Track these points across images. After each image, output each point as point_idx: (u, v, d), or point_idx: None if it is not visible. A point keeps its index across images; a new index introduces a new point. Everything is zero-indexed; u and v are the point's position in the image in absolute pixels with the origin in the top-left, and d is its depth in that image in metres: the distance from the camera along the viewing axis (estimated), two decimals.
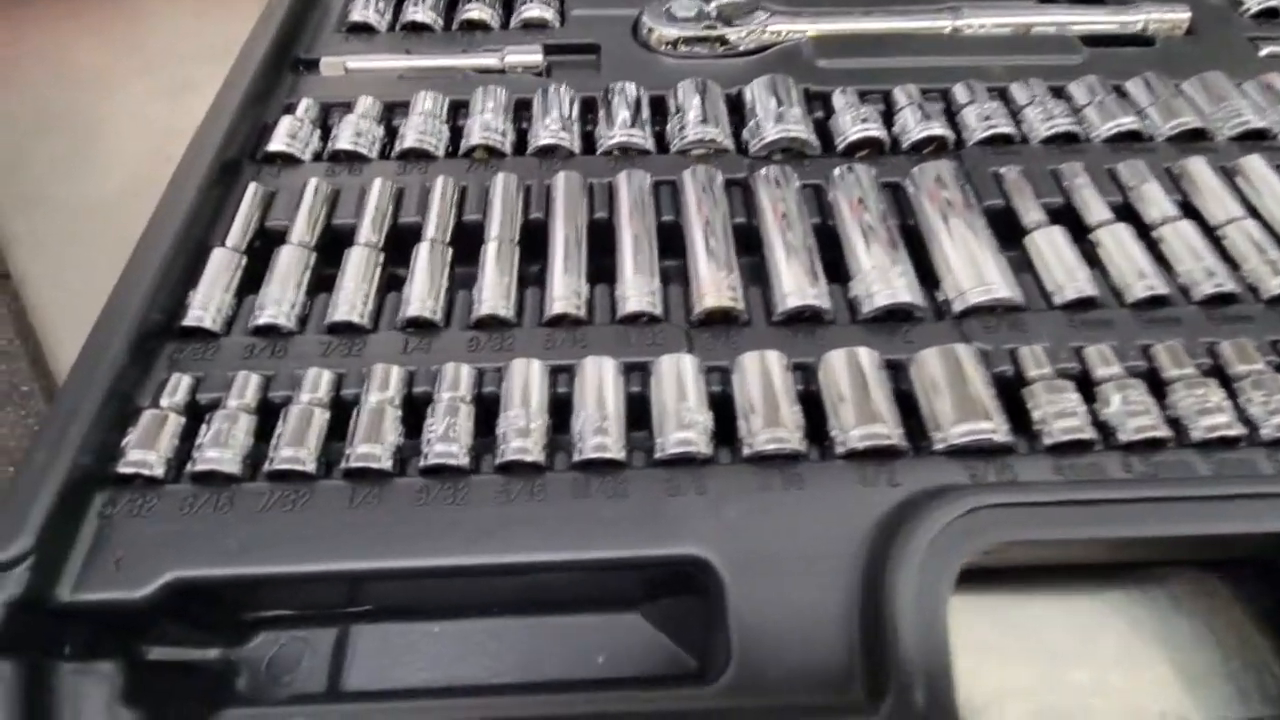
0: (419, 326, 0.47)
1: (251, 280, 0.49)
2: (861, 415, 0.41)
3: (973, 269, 0.47)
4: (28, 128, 0.81)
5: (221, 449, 0.40)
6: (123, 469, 0.40)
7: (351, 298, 0.47)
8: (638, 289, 0.47)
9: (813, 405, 0.42)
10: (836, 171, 0.53)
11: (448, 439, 0.41)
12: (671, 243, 0.51)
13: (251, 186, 0.54)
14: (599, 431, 0.40)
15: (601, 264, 0.50)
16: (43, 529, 0.36)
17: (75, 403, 0.40)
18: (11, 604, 0.35)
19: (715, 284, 0.47)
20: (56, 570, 0.37)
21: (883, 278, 0.47)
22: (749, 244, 0.51)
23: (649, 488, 0.39)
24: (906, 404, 0.42)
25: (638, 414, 0.43)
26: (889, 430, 0.40)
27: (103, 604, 0.36)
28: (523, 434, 0.41)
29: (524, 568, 0.38)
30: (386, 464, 0.40)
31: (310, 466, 0.40)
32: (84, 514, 0.39)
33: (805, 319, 0.47)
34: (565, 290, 0.47)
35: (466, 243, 0.51)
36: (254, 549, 0.38)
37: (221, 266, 0.49)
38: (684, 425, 0.41)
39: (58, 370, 0.63)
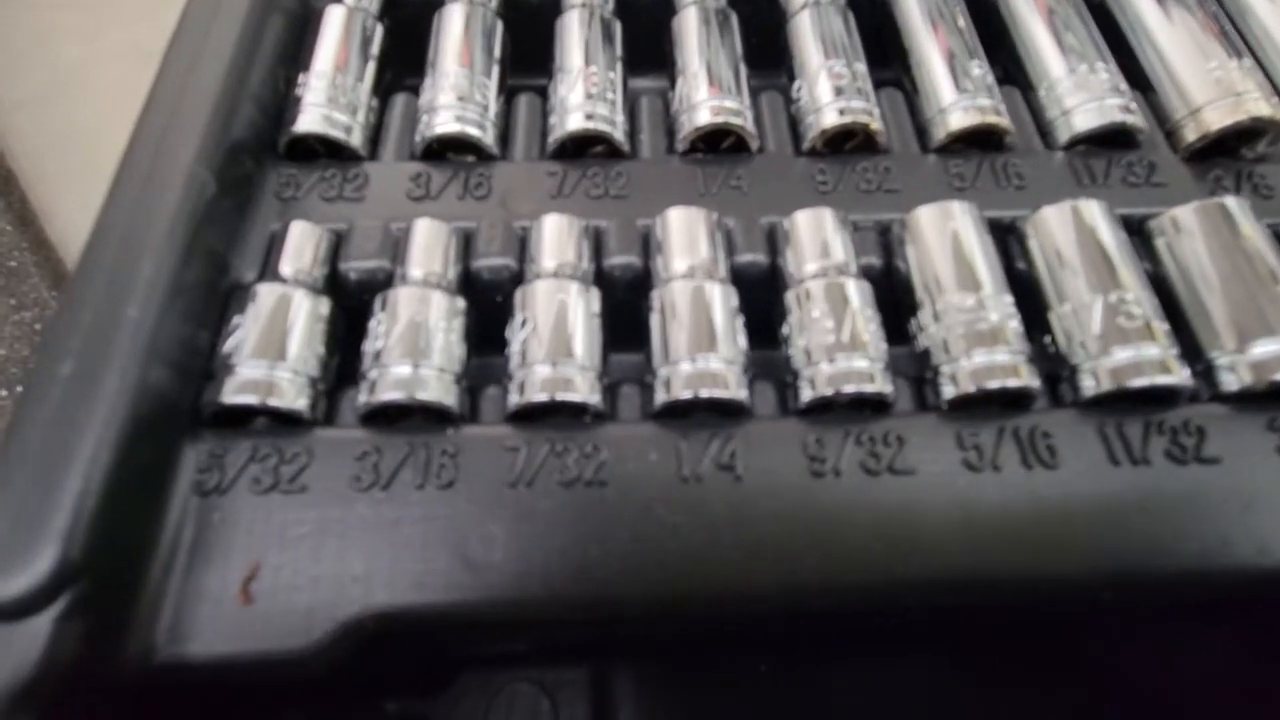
0: (704, 144, 0.26)
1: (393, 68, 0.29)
2: None
3: None
4: None
5: (419, 361, 0.21)
6: (230, 399, 0.20)
7: (588, 94, 0.26)
8: (1089, 90, 0.27)
9: None
10: None
11: (848, 349, 0.22)
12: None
13: None
14: (1130, 337, 0.22)
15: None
16: (89, 527, 0.17)
17: (123, 267, 0.21)
18: (30, 688, 0.16)
19: (1221, 83, 0.27)
20: (123, 607, 0.18)
21: None
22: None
23: (1246, 444, 0.21)
24: None
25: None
26: None
27: (226, 666, 0.18)
28: (989, 341, 0.22)
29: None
30: (739, 392, 0.21)
31: (591, 395, 0.21)
32: (167, 490, 0.19)
33: None
34: (962, 89, 0.26)
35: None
36: (530, 556, 0.19)
37: (343, 34, 0.28)
38: None
39: (56, 238, 0.43)
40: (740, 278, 0.24)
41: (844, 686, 0.25)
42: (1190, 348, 0.23)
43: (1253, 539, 0.20)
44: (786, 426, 0.21)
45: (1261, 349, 0.22)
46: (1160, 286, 0.24)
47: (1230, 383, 0.22)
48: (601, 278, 0.24)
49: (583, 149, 0.27)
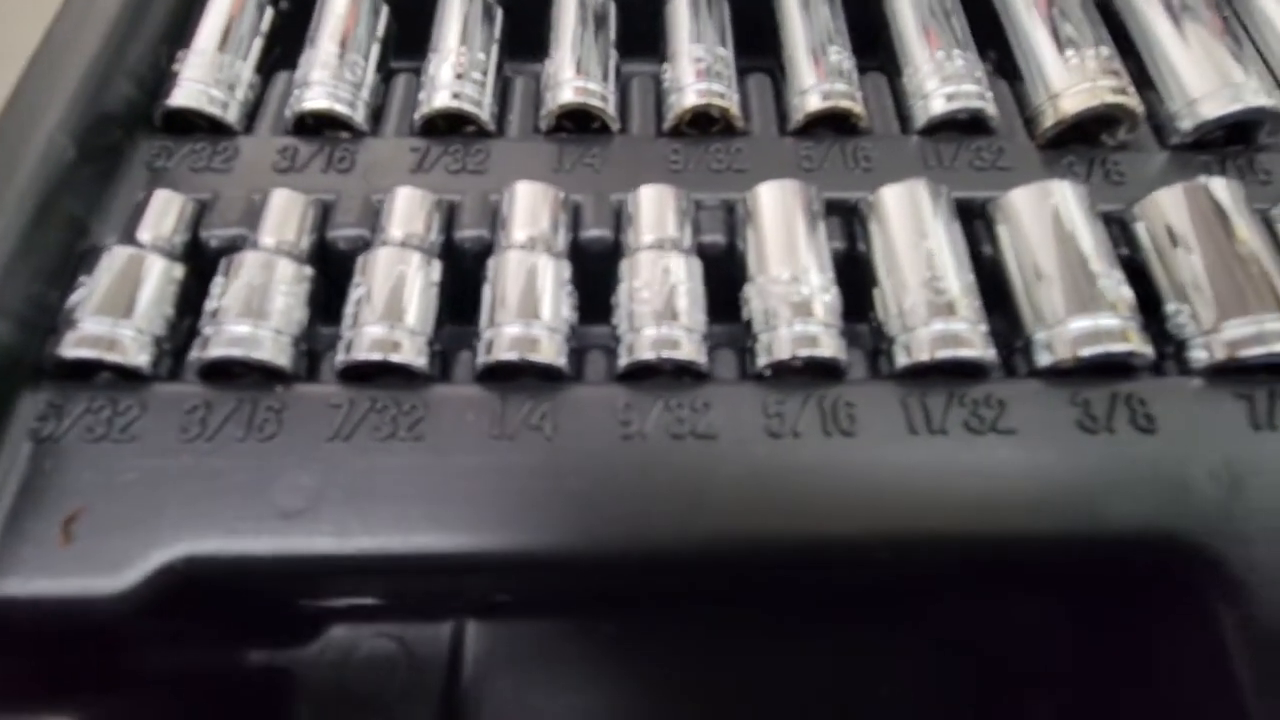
0: (570, 125, 0.27)
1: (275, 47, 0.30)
2: None
3: None
4: None
5: (256, 322, 0.22)
6: (70, 352, 0.21)
7: (459, 73, 0.27)
8: (946, 76, 0.28)
9: None
10: None
11: (666, 318, 0.23)
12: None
13: None
14: (940, 312, 0.22)
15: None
16: None
17: None
18: None
19: (1078, 70, 0.28)
20: None
21: None
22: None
23: (1046, 416, 0.22)
24: None
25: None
26: None
27: (42, 604, 0.19)
28: (803, 312, 0.23)
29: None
30: (558, 359, 0.22)
31: (417, 358, 0.22)
32: (2, 436, 0.21)
33: (1223, 141, 0.28)
34: (821, 72, 0.27)
35: None
36: (334, 507, 0.20)
37: (230, 13, 0.28)
38: (1102, 307, 0.23)
39: None
40: (586, 251, 0.25)
41: (682, 646, 0.26)
42: (1015, 325, 0.24)
43: (1041, 507, 0.20)
44: (602, 391, 0.22)
45: (1077, 325, 0.23)
46: (995, 267, 0.25)
47: (1044, 358, 0.23)
48: (452, 249, 0.25)
49: (457, 127, 0.28)
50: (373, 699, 0.26)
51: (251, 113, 0.28)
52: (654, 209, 0.24)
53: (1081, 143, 0.28)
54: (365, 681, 0.27)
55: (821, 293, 0.22)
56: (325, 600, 0.24)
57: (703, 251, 0.25)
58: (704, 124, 0.28)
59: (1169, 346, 0.24)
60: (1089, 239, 0.24)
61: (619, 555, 0.20)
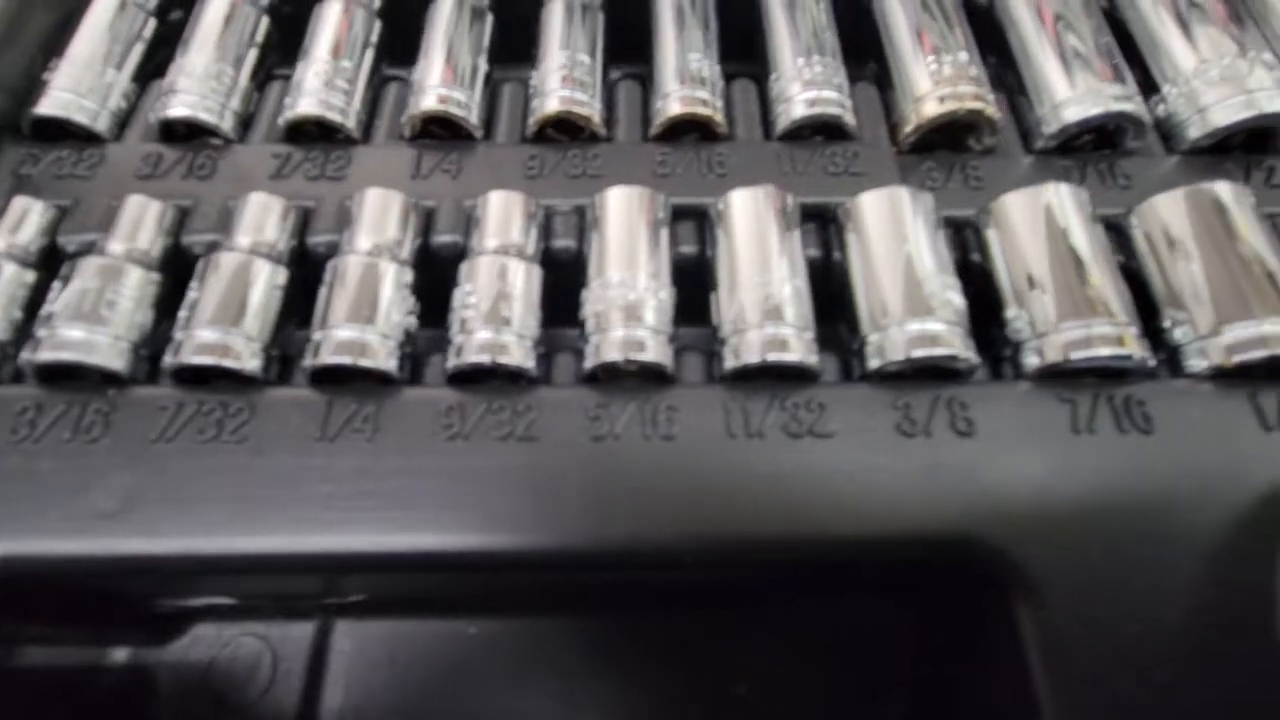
0: (440, 131, 0.28)
1: (159, 55, 0.30)
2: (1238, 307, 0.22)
3: None
4: None
5: (91, 326, 0.22)
6: None
7: (325, 81, 0.27)
8: (811, 80, 0.28)
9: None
10: None
11: (495, 321, 0.23)
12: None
13: None
14: (768, 316, 0.23)
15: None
16: None
17: None
18: None
19: (937, 76, 0.28)
20: None
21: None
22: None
23: (865, 420, 0.22)
24: None
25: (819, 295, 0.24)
26: None
27: None
28: (633, 317, 0.23)
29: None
30: (388, 363, 0.23)
31: (252, 362, 0.22)
32: None
33: (1091, 146, 0.28)
34: (683, 79, 0.28)
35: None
36: (149, 508, 0.20)
37: (108, 23, 0.29)
38: (927, 311, 0.23)
39: None
40: (434, 257, 0.25)
41: (543, 646, 0.26)
42: (854, 329, 0.24)
43: (849, 510, 0.20)
44: (429, 394, 0.22)
45: (904, 329, 0.23)
46: (841, 271, 0.25)
47: (873, 362, 0.23)
48: (305, 254, 0.25)
49: (329, 134, 0.29)
50: (236, 696, 0.27)
51: (126, 120, 0.28)
52: (500, 214, 0.25)
53: (949, 149, 0.28)
54: (229, 680, 0.27)
55: (653, 298, 0.23)
56: (163, 599, 0.25)
57: (554, 256, 0.25)
58: (572, 130, 0.28)
59: (1008, 350, 0.24)
60: (925, 244, 0.24)
61: (431, 555, 0.20)
